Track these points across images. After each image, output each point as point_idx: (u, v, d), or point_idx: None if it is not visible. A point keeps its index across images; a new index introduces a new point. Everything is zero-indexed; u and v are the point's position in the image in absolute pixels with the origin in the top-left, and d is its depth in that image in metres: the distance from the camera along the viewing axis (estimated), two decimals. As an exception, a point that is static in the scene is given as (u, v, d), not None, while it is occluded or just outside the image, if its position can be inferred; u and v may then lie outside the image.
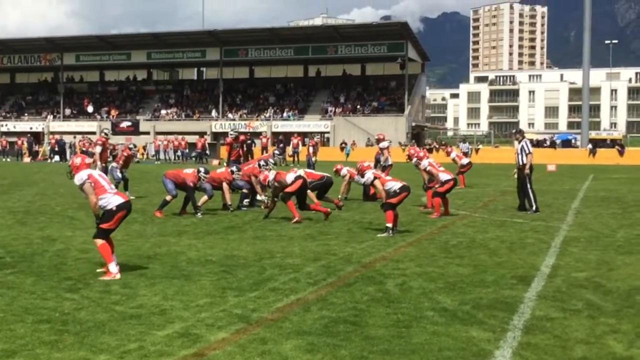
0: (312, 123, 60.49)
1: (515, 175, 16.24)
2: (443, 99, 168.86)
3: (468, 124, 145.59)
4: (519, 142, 16.19)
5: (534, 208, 15.57)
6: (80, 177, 8.50)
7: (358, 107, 61.39)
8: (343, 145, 53.50)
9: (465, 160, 24.06)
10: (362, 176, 13.16)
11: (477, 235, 12.12)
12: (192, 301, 7.17)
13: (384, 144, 21.08)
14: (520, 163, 15.88)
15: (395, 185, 12.39)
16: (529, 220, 14.26)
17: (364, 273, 8.68)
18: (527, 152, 15.76)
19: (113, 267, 8.31)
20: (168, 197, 15.10)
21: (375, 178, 12.63)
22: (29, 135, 57.46)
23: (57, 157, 50.51)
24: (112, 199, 8.45)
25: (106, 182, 8.64)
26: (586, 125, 61.08)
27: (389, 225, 12.04)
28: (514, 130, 19.33)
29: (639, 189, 23.16)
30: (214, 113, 64.00)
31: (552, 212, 15.93)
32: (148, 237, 11.64)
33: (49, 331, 6.05)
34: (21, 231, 12.37)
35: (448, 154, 27.38)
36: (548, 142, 63.59)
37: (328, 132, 58.95)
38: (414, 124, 61.16)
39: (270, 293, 7.56)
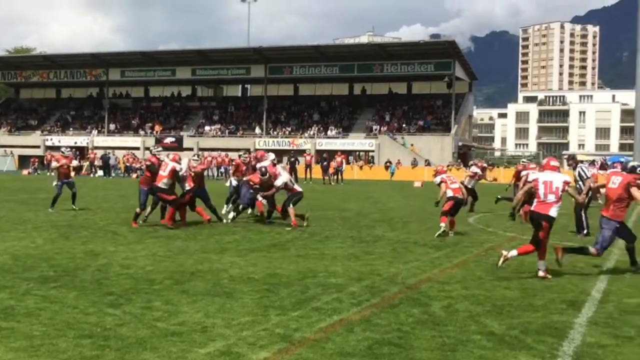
0: (356, 141, 60.41)
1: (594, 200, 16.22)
2: (491, 118, 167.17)
3: (516, 145, 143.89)
4: (574, 169, 16.03)
5: (584, 232, 15.28)
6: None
7: (404, 125, 61.15)
8: (388, 164, 53.27)
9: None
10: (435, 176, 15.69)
11: (526, 258, 11.78)
12: (233, 319, 7.10)
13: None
14: (582, 189, 15.63)
15: (449, 193, 14.81)
16: (579, 244, 13.89)
17: (408, 294, 8.52)
18: (586, 177, 15.52)
19: None
20: (138, 210, 15.74)
21: (441, 182, 15.05)
22: (73, 149, 58.38)
23: (100, 172, 51.07)
24: None
25: None
26: (639, 147, 59.67)
27: (442, 225, 14.59)
28: (565, 157, 19.27)
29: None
30: (257, 130, 64.39)
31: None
32: (190, 254, 11.65)
33: (90, 346, 6.03)
34: (64, 245, 12.49)
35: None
36: (599, 164, 62.27)
37: (373, 151, 58.78)
38: (460, 143, 60.64)
39: (313, 312, 7.45)
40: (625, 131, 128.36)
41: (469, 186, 21.57)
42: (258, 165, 16.94)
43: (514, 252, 10.01)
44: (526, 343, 6.40)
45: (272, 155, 18.24)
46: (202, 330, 6.64)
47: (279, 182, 15.92)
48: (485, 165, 22.88)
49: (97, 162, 53.20)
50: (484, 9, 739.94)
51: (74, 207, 19.57)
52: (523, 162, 22.92)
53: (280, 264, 10.69)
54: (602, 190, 11.19)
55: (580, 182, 15.71)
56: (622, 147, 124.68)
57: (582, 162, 19.44)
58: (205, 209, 16.57)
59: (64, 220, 16.99)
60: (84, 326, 6.71)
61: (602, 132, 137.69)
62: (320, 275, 9.79)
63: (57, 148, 62.68)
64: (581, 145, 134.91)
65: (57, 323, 6.81)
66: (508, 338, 6.56)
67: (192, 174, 16.32)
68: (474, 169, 22.47)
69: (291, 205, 15.80)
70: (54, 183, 19.97)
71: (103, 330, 6.57)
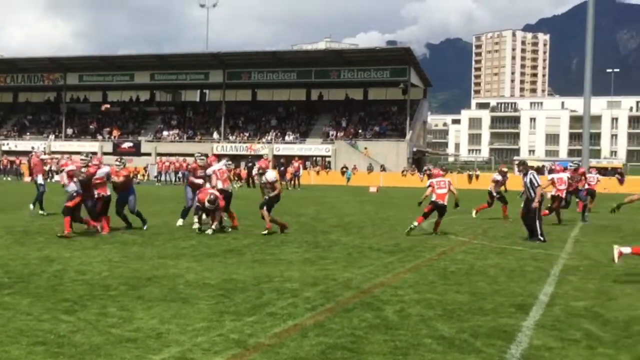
0: (313, 147, 60.61)
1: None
2: (444, 124, 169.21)
3: (469, 150, 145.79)
4: (525, 176, 16.11)
5: (542, 239, 15.43)
6: None
7: (360, 131, 61.53)
8: (344, 169, 53.51)
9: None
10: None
11: (477, 262, 12.07)
12: (189, 325, 7.12)
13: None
14: (532, 196, 15.78)
15: (433, 197, 15.82)
16: (529, 248, 14.21)
17: (362, 299, 8.63)
18: (537, 184, 15.73)
19: None
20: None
21: (429, 186, 16.03)
22: (33, 153, 57.50)
23: (57, 177, 50.42)
24: None
25: None
26: (587, 153, 61.04)
27: (415, 223, 15.74)
28: (516, 162, 19.46)
29: (638, 218, 23.10)
30: (215, 135, 64.16)
31: (552, 240, 15.86)
32: (146, 260, 11.60)
33: (44, 354, 6.00)
34: (19, 251, 12.32)
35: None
36: (548, 169, 63.54)
37: (329, 156, 59.00)
38: (415, 149, 61.27)
39: (268, 318, 7.51)
40: (574, 137, 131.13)
41: (494, 192, 22.05)
42: (209, 185, 16.42)
43: (627, 249, 10.49)
44: (475, 346, 6.54)
45: (223, 160, 18.08)
46: (157, 337, 6.64)
47: (271, 177, 15.84)
48: (505, 169, 22.73)
49: (54, 167, 52.34)
50: (439, 17, 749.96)
51: (39, 211, 19.39)
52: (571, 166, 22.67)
53: (236, 269, 10.72)
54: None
55: (531, 190, 15.88)
56: (571, 152, 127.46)
57: (532, 167, 19.63)
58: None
59: (20, 225, 16.72)
60: (38, 333, 6.66)
61: (552, 138, 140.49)
62: (275, 280, 9.85)
63: (13, 153, 61.91)
64: (532, 151, 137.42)
65: (9, 330, 6.75)
66: (458, 341, 6.69)
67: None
68: (495, 176, 22.63)
69: (265, 208, 15.70)
70: (38, 181, 19.69)
71: (57, 337, 6.53)
